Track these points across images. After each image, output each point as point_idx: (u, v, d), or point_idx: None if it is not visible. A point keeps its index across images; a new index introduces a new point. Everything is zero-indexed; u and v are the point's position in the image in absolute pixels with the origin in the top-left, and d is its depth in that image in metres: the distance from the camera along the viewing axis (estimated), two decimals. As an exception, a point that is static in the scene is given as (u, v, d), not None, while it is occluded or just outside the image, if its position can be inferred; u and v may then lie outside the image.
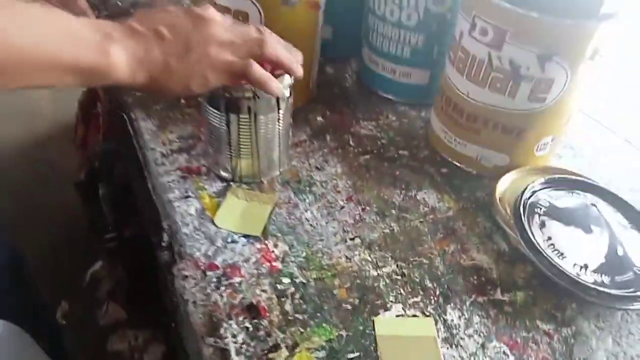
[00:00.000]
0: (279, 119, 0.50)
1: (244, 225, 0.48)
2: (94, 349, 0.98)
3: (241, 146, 0.50)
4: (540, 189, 0.51)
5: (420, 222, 0.52)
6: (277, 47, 0.44)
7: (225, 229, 0.47)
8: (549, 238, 0.47)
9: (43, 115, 1.69)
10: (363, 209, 0.52)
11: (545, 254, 0.45)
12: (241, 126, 0.49)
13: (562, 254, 0.45)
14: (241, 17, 0.55)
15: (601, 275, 0.44)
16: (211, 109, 0.49)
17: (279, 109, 0.49)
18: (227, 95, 0.47)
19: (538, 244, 0.46)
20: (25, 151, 1.60)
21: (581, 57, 0.48)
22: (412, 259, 0.47)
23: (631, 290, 0.43)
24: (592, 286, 0.43)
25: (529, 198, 0.50)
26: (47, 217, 1.38)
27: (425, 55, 0.64)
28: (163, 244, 0.49)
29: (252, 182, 0.53)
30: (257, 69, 0.43)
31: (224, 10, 0.56)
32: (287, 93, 0.49)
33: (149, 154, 0.55)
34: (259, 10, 0.54)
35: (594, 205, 0.51)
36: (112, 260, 1.12)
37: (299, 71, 0.47)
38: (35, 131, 1.67)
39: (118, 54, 0.37)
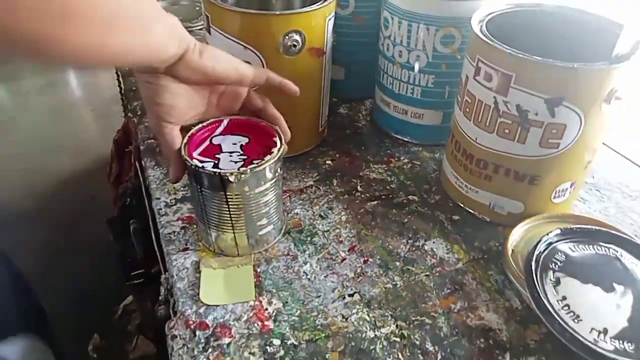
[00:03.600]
0: (264, 194, 0.46)
1: (233, 294, 0.45)
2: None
3: (218, 220, 0.47)
4: (557, 241, 0.47)
5: (426, 275, 0.49)
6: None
7: (216, 304, 0.44)
8: (564, 298, 0.43)
9: (89, 151, 1.77)
10: (365, 261, 0.50)
11: (557, 317, 0.41)
12: (215, 201, 0.45)
13: (577, 316, 0.41)
14: (244, 66, 0.55)
15: (623, 342, 0.40)
16: (193, 182, 0.45)
17: (263, 183, 0.45)
18: (197, 168, 0.43)
19: (550, 304, 0.42)
20: (68, 185, 1.68)
21: (595, 101, 0.44)
22: (413, 318, 0.45)
23: (658, 360, 0.39)
24: (612, 355, 0.39)
25: (543, 252, 0.46)
26: (83, 250, 1.43)
27: (436, 96, 0.62)
28: (160, 298, 0.49)
29: (229, 255, 0.49)
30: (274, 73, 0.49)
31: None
32: (271, 174, 0.45)
33: (154, 204, 0.56)
34: (260, 60, 0.55)
35: (618, 258, 0.46)
36: (141, 296, 1.14)
37: (288, 134, 0.50)
38: (79, 166, 1.74)
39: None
